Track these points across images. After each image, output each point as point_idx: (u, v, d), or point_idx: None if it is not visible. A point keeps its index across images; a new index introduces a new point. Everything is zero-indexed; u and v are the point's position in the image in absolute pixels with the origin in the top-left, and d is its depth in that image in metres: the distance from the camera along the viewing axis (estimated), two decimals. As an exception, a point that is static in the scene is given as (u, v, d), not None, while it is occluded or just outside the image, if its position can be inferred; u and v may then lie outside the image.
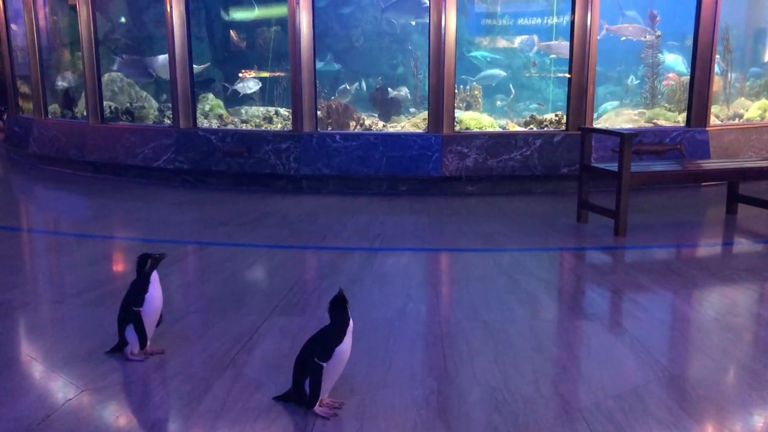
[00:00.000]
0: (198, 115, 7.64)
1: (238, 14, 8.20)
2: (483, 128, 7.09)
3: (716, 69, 7.25)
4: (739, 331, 3.31)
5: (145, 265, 2.90)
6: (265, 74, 7.93)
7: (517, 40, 7.87)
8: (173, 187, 7.29)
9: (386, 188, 6.83)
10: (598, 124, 7.20)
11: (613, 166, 5.05)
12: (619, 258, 4.70)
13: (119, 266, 4.64)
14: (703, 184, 6.87)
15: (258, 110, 7.85)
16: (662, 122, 7.37)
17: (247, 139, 7.08)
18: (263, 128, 7.46)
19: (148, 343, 2.91)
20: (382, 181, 6.82)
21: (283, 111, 7.62)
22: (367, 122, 7.32)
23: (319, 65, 7.23)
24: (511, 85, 7.57)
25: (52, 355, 2.99)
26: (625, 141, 4.85)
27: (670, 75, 7.69)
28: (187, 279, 4.33)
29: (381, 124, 7.36)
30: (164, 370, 2.80)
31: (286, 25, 6.98)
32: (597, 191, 5.55)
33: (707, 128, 7.00)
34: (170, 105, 7.63)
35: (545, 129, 7.07)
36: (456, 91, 7.07)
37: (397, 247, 4.88)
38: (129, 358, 2.87)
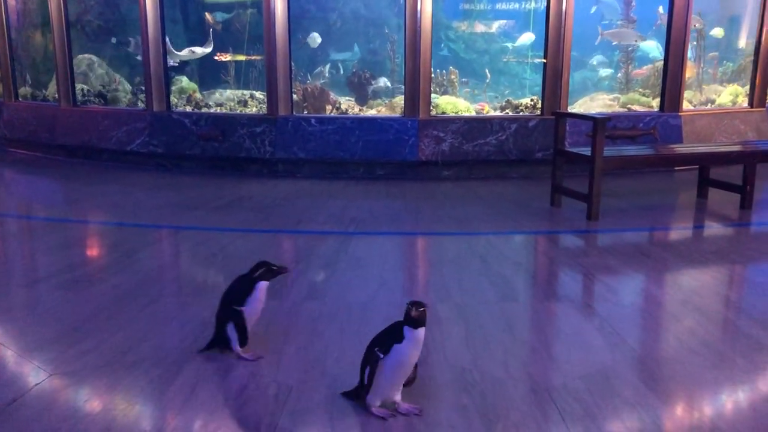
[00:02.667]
0: (172, 98, 7.55)
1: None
2: (459, 113, 7.10)
3: (689, 55, 7.32)
4: (706, 313, 3.37)
5: (256, 271, 2.76)
6: (241, 57, 7.85)
7: (495, 25, 7.86)
8: (147, 170, 7.21)
9: (362, 172, 6.83)
10: (574, 109, 7.25)
11: (587, 151, 5.09)
12: (590, 241, 4.75)
13: (91, 250, 4.59)
14: (675, 168, 6.95)
15: (233, 93, 7.78)
16: (636, 107, 7.43)
17: (222, 122, 7.02)
18: (238, 112, 7.40)
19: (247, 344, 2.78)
20: (359, 165, 6.81)
21: (259, 94, 7.56)
22: (344, 106, 7.29)
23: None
24: (487, 70, 7.57)
25: (21, 339, 2.96)
26: (597, 126, 4.88)
27: (639, 70, 7.74)
28: (161, 263, 4.30)
29: (357, 108, 7.33)
30: (135, 354, 2.79)
31: (262, 8, 6.91)
32: (571, 176, 5.60)
33: (680, 113, 7.08)
34: (143, 88, 7.53)
35: (521, 114, 7.09)
36: (432, 75, 7.07)
37: (372, 231, 4.88)
38: (241, 356, 2.73)
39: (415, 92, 6.74)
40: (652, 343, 3.08)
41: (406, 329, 2.25)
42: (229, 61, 7.81)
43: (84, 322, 2.94)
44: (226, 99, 7.71)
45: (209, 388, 2.49)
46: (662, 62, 7.17)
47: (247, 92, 7.72)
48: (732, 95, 7.85)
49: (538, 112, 6.99)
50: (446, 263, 4.18)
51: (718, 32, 7.99)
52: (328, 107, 7.26)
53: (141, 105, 7.74)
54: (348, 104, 7.34)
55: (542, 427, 2.26)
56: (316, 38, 7.60)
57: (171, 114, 7.30)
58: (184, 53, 7.70)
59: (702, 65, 7.99)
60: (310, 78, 7.63)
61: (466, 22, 7.95)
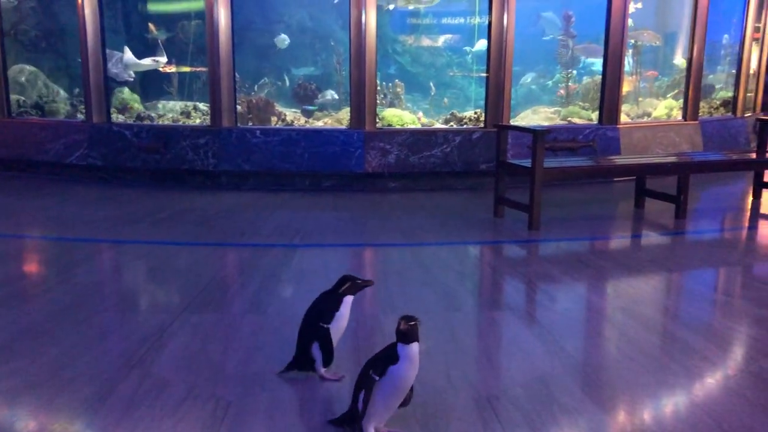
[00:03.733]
0: (113, 110, 7.38)
1: (157, 6, 7.97)
2: (405, 125, 7.15)
3: (626, 69, 7.57)
4: (642, 319, 3.46)
5: (342, 286, 2.68)
6: (186, 68, 7.75)
7: (441, 39, 7.97)
8: (86, 184, 7.02)
9: (309, 184, 6.80)
10: (517, 122, 7.39)
11: (527, 162, 5.19)
12: (532, 251, 4.84)
13: (27, 265, 4.44)
14: (614, 179, 7.15)
15: (176, 105, 7.66)
16: (577, 120, 7.62)
17: (164, 134, 6.89)
18: (180, 123, 7.29)
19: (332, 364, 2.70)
20: (305, 177, 6.78)
21: (202, 106, 7.46)
22: (289, 117, 7.26)
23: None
24: (431, 83, 7.66)
25: (-55, 359, 2.83)
26: (537, 138, 4.99)
27: (572, 85, 7.95)
28: (100, 278, 4.19)
29: (303, 119, 7.31)
30: (69, 370, 2.70)
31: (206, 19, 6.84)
32: (515, 187, 5.69)
33: (618, 126, 7.29)
34: (83, 99, 7.35)
35: (465, 126, 7.19)
36: (379, 87, 7.11)
37: (318, 243, 4.86)
38: (323, 377, 2.66)
39: (361, 104, 6.76)
40: (590, 349, 3.15)
41: (400, 347, 2.15)
42: (173, 72, 7.69)
43: (16, 339, 2.84)
44: (168, 110, 7.58)
45: (146, 405, 2.43)
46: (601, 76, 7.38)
47: (190, 104, 7.61)
48: (667, 108, 8.14)
49: (482, 125, 7.10)
50: (391, 274, 4.19)
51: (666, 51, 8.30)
52: (274, 119, 7.22)
53: (80, 116, 7.54)
54: (294, 116, 7.32)
55: (482, 435, 2.28)
56: (284, 39, 7.57)
57: (111, 126, 7.14)
58: (147, 62, 7.54)
59: (639, 80, 8.26)
60: (255, 89, 7.57)
61: (413, 36, 8.03)
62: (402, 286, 3.88)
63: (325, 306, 2.67)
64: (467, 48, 7.72)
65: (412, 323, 2.16)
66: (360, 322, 3.30)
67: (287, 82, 7.83)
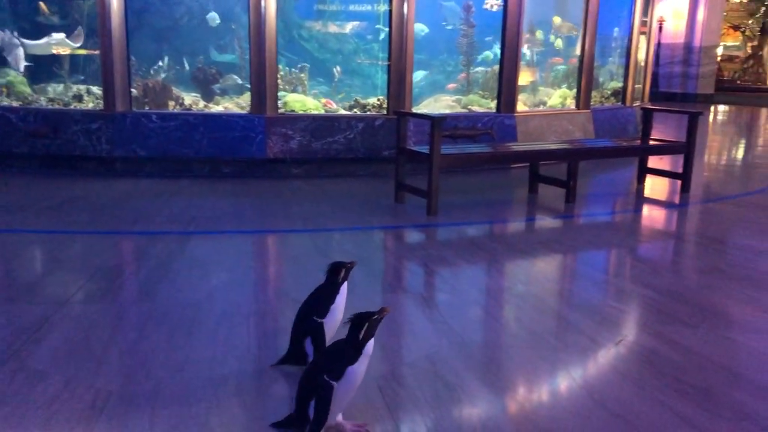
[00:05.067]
0: (-4, 91, 6.95)
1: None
2: (308, 111, 7.11)
3: (523, 59, 7.81)
4: (529, 299, 3.62)
5: (338, 275, 2.55)
6: (80, 51, 7.37)
7: (348, 26, 7.94)
8: (-33, 170, 6.60)
9: (208, 170, 6.65)
10: (420, 110, 7.49)
11: (426, 149, 5.28)
12: (429, 235, 4.94)
13: None
14: (511, 166, 7.38)
15: (67, 88, 7.29)
16: (476, 108, 7.81)
17: (53, 118, 6.56)
18: (72, 107, 6.95)
19: None
20: (204, 163, 6.63)
21: (96, 89, 7.14)
22: (187, 102, 7.06)
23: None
24: (334, 69, 7.64)
25: None
26: (434, 125, 5.09)
27: (461, 76, 8.12)
28: (-25, 269, 3.95)
29: (202, 104, 7.13)
30: (-67, 367, 2.54)
31: (97, -2, 6.53)
32: (417, 173, 5.77)
33: (515, 114, 7.53)
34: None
35: (368, 113, 7.23)
36: (282, 72, 7.02)
37: (214, 230, 4.77)
38: None
39: (262, 89, 6.67)
40: (478, 329, 3.26)
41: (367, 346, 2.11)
42: (65, 54, 7.31)
43: None
44: (59, 94, 7.21)
45: (16, 401, 2.32)
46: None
47: (83, 87, 7.26)
48: (561, 98, 8.47)
49: (384, 112, 7.15)
50: (288, 260, 4.18)
51: (561, 42, 8.60)
52: (171, 103, 7.01)
53: (-41, 99, 7.05)
54: (192, 100, 7.12)
55: (365, 413, 2.32)
56: (215, 18, 7.33)
57: (-6, 109, 6.73)
58: (44, 43, 7.08)
59: (536, 69, 8.54)
60: (152, 72, 7.31)
61: (320, 22, 7.97)
62: (297, 273, 3.88)
63: (320, 298, 2.56)
64: (369, 36, 7.74)
65: (377, 318, 2.12)
66: (253, 309, 3.27)
67: (186, 66, 7.60)
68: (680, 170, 6.40)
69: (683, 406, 2.42)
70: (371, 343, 2.13)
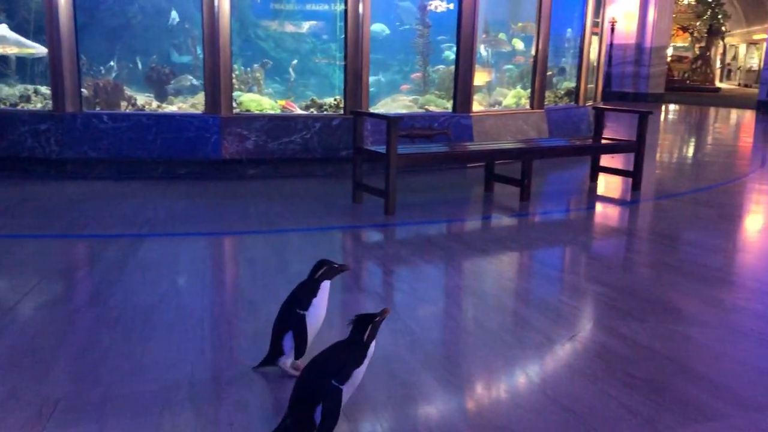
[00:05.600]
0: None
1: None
2: (263, 110, 7.05)
3: (478, 60, 7.88)
4: (484, 296, 3.65)
5: (317, 271, 2.56)
6: (28, 50, 7.17)
7: (306, 26, 7.90)
8: None
9: (162, 172, 6.54)
10: (377, 110, 7.49)
11: (382, 149, 5.29)
12: (386, 235, 4.95)
13: None
14: (468, 165, 7.44)
15: (14, 88, 7.09)
16: (433, 108, 7.85)
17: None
18: (19, 107, 6.76)
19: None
20: (158, 164, 6.51)
21: (44, 89, 6.96)
22: (140, 102, 6.93)
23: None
24: (290, 69, 7.60)
25: None
26: (390, 124, 5.10)
27: (416, 75, 8.16)
28: None
29: (156, 104, 7.01)
30: None
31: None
32: (375, 173, 5.78)
33: (471, 114, 7.60)
34: None
35: (325, 113, 7.21)
36: (237, 72, 6.95)
37: (168, 232, 4.70)
38: (287, 372, 2.51)
39: (216, 89, 6.59)
40: (434, 327, 3.27)
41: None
42: (11, 53, 7.10)
43: None
44: (6, 95, 7.01)
45: (-40, 410, 2.25)
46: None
47: (30, 87, 7.07)
48: (516, 98, 8.58)
49: (342, 112, 7.14)
50: (243, 262, 4.14)
51: (516, 42, 8.70)
52: (123, 103, 6.87)
53: None
54: (145, 100, 7.00)
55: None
56: (169, 16, 7.20)
57: (-64, 109, 6.50)
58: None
59: (492, 70, 8.63)
60: (103, 72, 7.16)
61: (277, 21, 7.91)
62: (254, 274, 3.85)
63: (301, 293, 2.56)
64: (325, 36, 7.72)
65: (379, 319, 2.19)
66: (207, 313, 3.23)
67: (139, 65, 7.47)
68: (632, 168, 6.54)
69: (631, 398, 2.48)
70: (373, 344, 2.15)
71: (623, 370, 2.70)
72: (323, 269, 2.59)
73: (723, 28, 31.33)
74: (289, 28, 7.95)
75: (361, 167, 5.65)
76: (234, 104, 6.84)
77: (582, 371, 2.71)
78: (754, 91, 20.92)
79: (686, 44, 33.12)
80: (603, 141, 6.72)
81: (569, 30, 9.68)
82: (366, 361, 2.14)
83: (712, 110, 19.12)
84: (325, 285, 2.57)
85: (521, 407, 2.41)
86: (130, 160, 6.43)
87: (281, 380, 2.53)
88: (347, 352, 2.11)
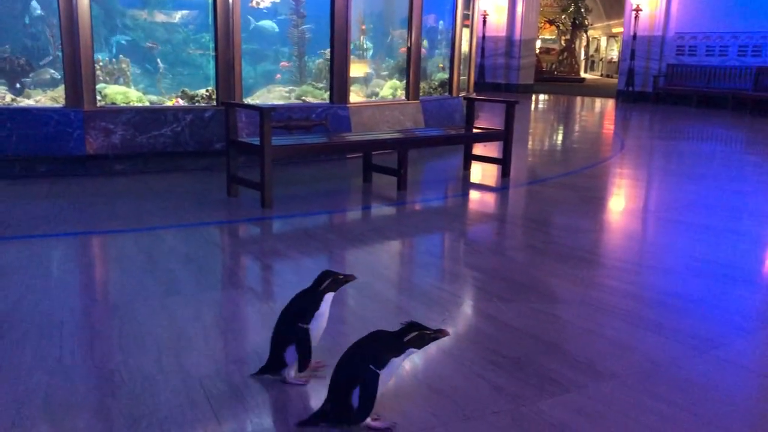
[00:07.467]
0: None
1: None
2: (130, 103, 6.73)
3: (353, 51, 7.90)
4: (361, 287, 3.65)
5: (322, 282, 2.47)
6: None
7: (177, 15, 7.60)
8: None
9: (20, 170, 6.09)
10: (253, 101, 7.35)
11: (257, 140, 5.19)
12: (262, 228, 4.87)
13: None
14: (346, 156, 7.47)
15: None
16: (310, 99, 7.81)
17: None
18: None
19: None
20: (13, 162, 6.06)
21: None
22: (-9, 95, 6.42)
23: None
24: (158, 60, 7.29)
25: None
26: (263, 115, 5.01)
27: (284, 62, 8.11)
28: None
29: (10, 97, 6.51)
30: None
31: None
32: (252, 166, 5.65)
33: (348, 105, 7.62)
34: None
35: (196, 104, 6.98)
36: (102, 63, 6.59)
37: (24, 234, 4.38)
38: (289, 381, 2.47)
39: (77, 81, 6.21)
40: (310, 319, 3.25)
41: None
42: None
43: None
44: None
45: None
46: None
47: None
48: (392, 89, 8.69)
49: (214, 103, 6.94)
50: (107, 263, 3.94)
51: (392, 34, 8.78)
52: (-28, 97, 6.33)
53: None
54: (-3, 93, 6.49)
55: (187, 414, 2.24)
56: (31, 2, 6.63)
57: None
58: None
59: (369, 61, 8.69)
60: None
61: (146, 11, 7.55)
62: (118, 275, 3.67)
63: (304, 305, 2.48)
64: (192, 26, 7.47)
65: (429, 334, 2.20)
66: (67, 318, 3.05)
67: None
68: (501, 156, 6.81)
69: (497, 376, 2.58)
70: (412, 350, 2.20)
71: (490, 349, 2.81)
72: (328, 281, 2.52)
73: (586, 22, 33.24)
74: (160, 17, 7.62)
75: (236, 160, 5.52)
76: (99, 97, 6.48)
77: (451, 353, 2.78)
78: (615, 81, 22.38)
79: (553, 37, 34.86)
80: (474, 130, 6.94)
81: (441, 22, 9.91)
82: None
83: (578, 99, 20.26)
84: (328, 297, 2.51)
85: (392, 392, 2.44)
86: (-19, 158, 5.95)
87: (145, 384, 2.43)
88: (387, 341, 2.21)
